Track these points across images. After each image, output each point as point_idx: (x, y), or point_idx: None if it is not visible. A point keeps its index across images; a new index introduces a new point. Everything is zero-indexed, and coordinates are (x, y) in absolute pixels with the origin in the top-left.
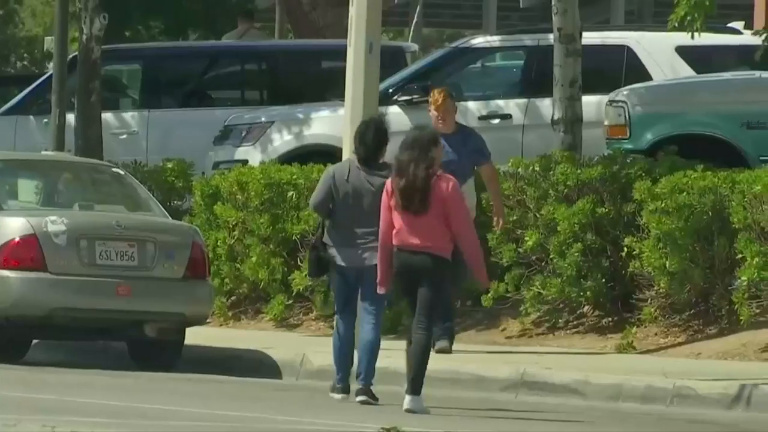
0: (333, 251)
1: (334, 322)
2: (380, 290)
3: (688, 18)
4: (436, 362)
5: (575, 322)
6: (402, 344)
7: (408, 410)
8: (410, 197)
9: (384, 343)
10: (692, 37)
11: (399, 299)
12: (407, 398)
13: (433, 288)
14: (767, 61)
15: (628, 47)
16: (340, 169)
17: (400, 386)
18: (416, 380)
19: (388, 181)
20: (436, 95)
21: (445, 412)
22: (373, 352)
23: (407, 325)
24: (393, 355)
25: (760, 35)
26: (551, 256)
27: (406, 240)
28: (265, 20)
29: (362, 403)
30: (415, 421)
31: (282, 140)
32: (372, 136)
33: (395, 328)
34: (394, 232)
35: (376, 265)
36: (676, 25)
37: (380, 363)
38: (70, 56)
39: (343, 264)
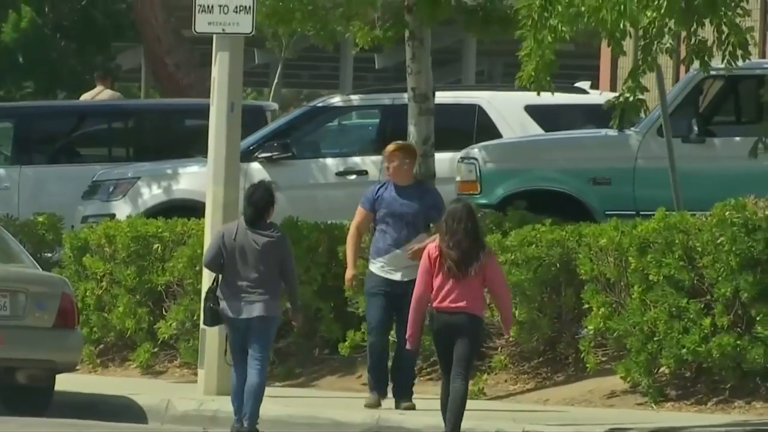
0: (223, 304)
1: (232, 369)
2: (409, 346)
3: (534, 77)
4: (293, 408)
5: (429, 369)
6: (293, 392)
7: None
8: (461, 264)
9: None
10: (538, 94)
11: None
12: None
13: (471, 344)
14: (622, 121)
15: (479, 106)
16: (229, 229)
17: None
18: (457, 425)
19: (432, 246)
20: (388, 148)
21: None
22: (258, 395)
23: (297, 372)
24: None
25: (611, 104)
26: None
27: (448, 302)
28: (132, 80)
29: None
30: None
31: (148, 195)
32: (259, 198)
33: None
34: (434, 294)
35: (260, 316)
36: (526, 85)
37: (279, 412)
38: None
39: (231, 315)
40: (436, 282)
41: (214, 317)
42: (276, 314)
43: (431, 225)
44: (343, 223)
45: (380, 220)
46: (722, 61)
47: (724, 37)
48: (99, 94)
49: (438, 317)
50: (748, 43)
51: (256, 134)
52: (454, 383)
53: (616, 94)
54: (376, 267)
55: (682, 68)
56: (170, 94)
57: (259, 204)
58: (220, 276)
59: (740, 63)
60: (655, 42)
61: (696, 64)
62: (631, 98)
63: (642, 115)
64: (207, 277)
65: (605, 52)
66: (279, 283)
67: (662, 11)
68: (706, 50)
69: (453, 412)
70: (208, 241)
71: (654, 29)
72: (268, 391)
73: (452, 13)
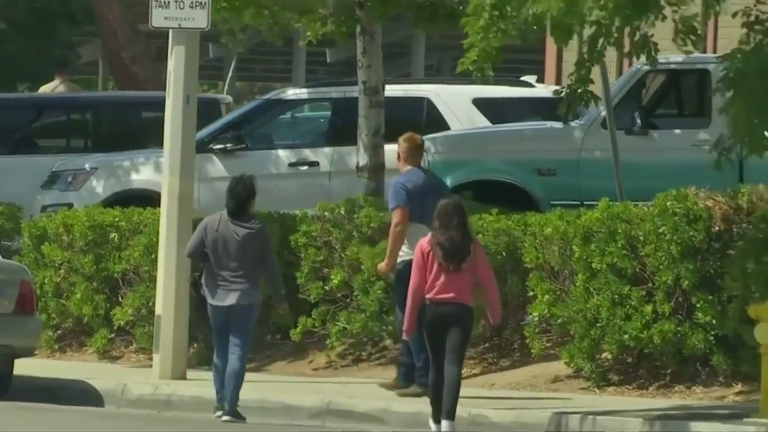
0: (206, 291)
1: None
2: (405, 337)
3: (476, 65)
4: (245, 392)
5: (377, 355)
6: (246, 376)
7: None
8: (454, 258)
9: (198, 374)
10: (478, 81)
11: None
12: (445, 422)
13: (464, 334)
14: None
15: (428, 99)
16: (212, 220)
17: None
18: (453, 408)
19: (424, 241)
20: None
21: None
22: (238, 380)
23: (249, 357)
24: (208, 385)
25: (560, 93)
26: (355, 293)
27: (442, 294)
28: (89, 73)
29: (228, 421)
30: None
31: (105, 185)
32: (241, 191)
33: (209, 359)
34: (428, 286)
35: (240, 304)
36: (470, 68)
37: (192, 392)
38: None
39: (213, 303)
40: (430, 275)
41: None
42: (255, 302)
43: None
44: (296, 213)
45: None
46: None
47: (677, 28)
48: (57, 86)
49: (431, 309)
50: (697, 29)
51: (211, 126)
52: (448, 370)
53: (563, 86)
54: None
55: (626, 62)
56: (127, 87)
57: (241, 196)
58: (205, 266)
59: (694, 51)
60: (602, 38)
61: (642, 58)
62: (579, 90)
63: (594, 105)
64: (163, 266)
65: (550, 47)
66: (259, 272)
67: (610, 9)
68: (649, 44)
69: (449, 397)
70: (163, 230)
71: (602, 28)
72: None
73: (402, 8)
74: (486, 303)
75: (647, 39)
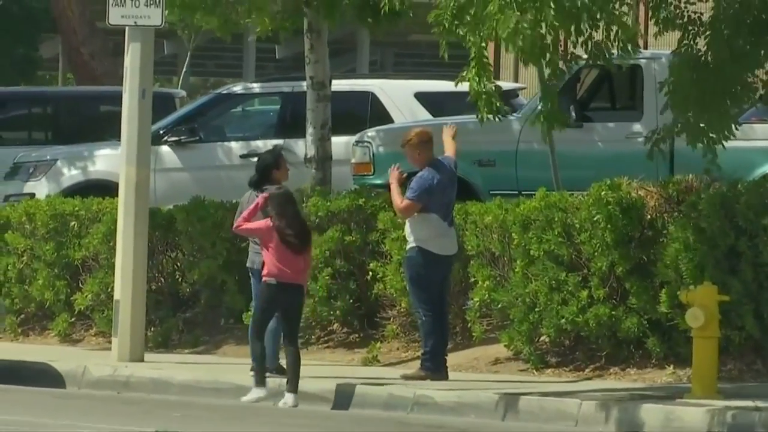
0: None
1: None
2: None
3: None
4: (199, 373)
5: (326, 338)
6: (172, 357)
7: (295, 405)
8: (302, 242)
9: (155, 356)
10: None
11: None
12: (290, 396)
13: (298, 311)
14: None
15: (372, 93)
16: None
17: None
18: (296, 382)
19: (268, 221)
20: None
21: (208, 416)
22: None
23: (175, 340)
24: (164, 367)
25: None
26: None
27: (281, 274)
28: (50, 69)
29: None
30: (191, 425)
31: (65, 176)
32: (260, 163)
33: (166, 342)
34: (268, 266)
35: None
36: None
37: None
38: None
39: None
40: (274, 255)
41: None
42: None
43: None
44: None
45: None
46: (617, 54)
47: (613, 35)
48: None
49: (271, 287)
50: (637, 39)
51: (166, 119)
52: (288, 350)
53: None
54: None
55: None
56: (86, 82)
57: (259, 168)
58: None
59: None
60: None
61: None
62: (549, 106)
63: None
64: (121, 253)
65: (489, 44)
66: None
67: (548, 23)
68: (601, 51)
69: (292, 373)
70: (121, 218)
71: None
72: (176, 357)
73: (348, 11)
74: None
75: (599, 45)
